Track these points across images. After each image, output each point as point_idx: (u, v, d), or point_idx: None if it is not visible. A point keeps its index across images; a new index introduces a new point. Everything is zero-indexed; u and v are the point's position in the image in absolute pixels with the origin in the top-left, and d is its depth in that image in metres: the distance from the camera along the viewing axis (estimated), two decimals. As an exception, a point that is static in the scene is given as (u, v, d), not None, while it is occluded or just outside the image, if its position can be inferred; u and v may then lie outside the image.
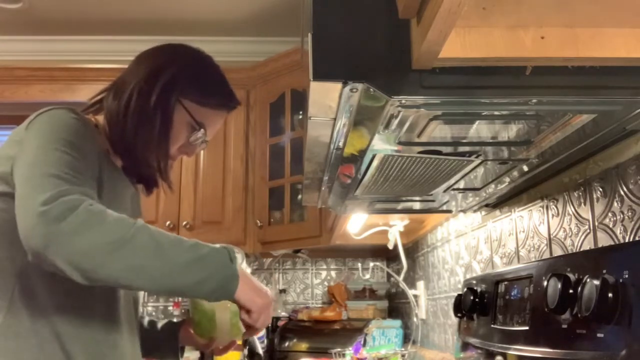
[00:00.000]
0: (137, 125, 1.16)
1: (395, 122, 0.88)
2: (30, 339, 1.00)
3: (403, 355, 2.09)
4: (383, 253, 2.92)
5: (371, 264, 2.86)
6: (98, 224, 0.90)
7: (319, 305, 3.03)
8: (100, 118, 1.21)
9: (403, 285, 2.29)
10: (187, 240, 1.00)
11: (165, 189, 1.30)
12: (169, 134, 1.18)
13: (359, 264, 2.85)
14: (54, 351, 1.01)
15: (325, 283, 3.10)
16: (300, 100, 2.67)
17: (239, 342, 1.40)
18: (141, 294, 1.27)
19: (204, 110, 1.22)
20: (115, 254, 0.90)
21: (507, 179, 1.24)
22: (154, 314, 2.99)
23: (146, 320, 1.38)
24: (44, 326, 1.01)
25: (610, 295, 0.81)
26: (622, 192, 1.01)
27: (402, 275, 2.30)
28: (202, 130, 1.22)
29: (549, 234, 1.27)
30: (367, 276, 2.79)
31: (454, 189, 1.34)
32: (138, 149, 1.17)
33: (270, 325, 2.77)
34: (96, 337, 1.07)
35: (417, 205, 1.58)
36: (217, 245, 1.03)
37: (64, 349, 1.01)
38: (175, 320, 1.40)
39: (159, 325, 1.37)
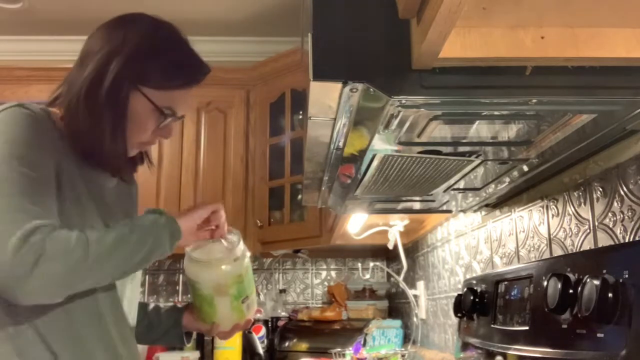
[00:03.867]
0: (88, 123, 1.08)
1: (395, 122, 0.88)
2: (15, 341, 0.98)
3: (403, 355, 2.09)
4: (383, 253, 2.92)
5: (371, 264, 2.86)
6: (62, 259, 0.95)
7: (319, 305, 3.02)
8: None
9: (403, 285, 2.29)
10: (123, 226, 1.05)
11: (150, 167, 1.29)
12: (124, 128, 1.11)
13: (359, 264, 2.85)
14: (40, 353, 0.99)
15: (325, 283, 3.10)
16: (300, 100, 2.67)
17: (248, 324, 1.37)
18: (137, 290, 1.25)
19: (168, 93, 1.12)
20: (82, 274, 0.98)
21: (507, 179, 1.24)
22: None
23: (151, 306, 1.35)
24: (27, 328, 0.99)
25: (610, 295, 0.81)
26: (622, 192, 1.01)
27: (402, 275, 2.30)
28: (169, 115, 1.14)
29: (549, 234, 1.27)
30: (367, 276, 2.79)
31: (454, 189, 1.34)
32: (92, 147, 1.10)
33: (270, 325, 2.77)
34: (81, 334, 1.04)
35: (417, 205, 1.58)
36: (145, 214, 1.10)
37: (50, 349, 1.00)
38: (179, 305, 1.38)
39: (162, 311, 1.35)
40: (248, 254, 1.24)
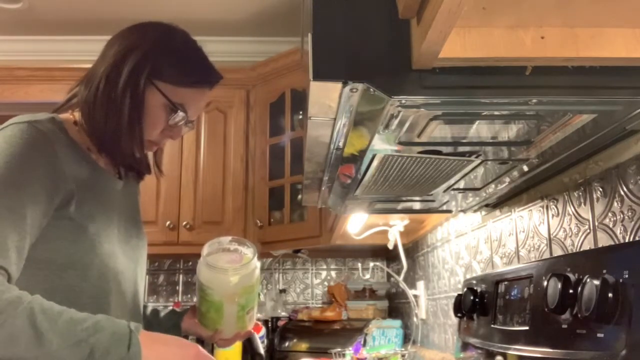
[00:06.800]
0: (106, 113, 1.11)
1: (395, 122, 0.88)
2: None
3: (403, 355, 2.09)
4: (383, 253, 2.92)
5: (371, 264, 2.86)
6: None
7: (319, 305, 3.02)
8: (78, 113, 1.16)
9: (403, 285, 2.29)
10: (81, 324, 0.92)
11: (157, 175, 1.29)
12: (141, 120, 1.13)
13: (359, 264, 2.85)
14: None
15: (325, 283, 3.10)
16: (300, 100, 2.67)
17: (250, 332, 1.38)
18: (141, 292, 1.26)
19: (181, 90, 1.16)
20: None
21: (507, 179, 1.24)
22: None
23: (149, 309, 1.37)
24: None
25: (610, 295, 0.81)
26: (622, 192, 1.01)
27: (402, 275, 2.30)
28: (181, 111, 1.16)
29: (549, 234, 1.27)
30: (367, 276, 2.79)
31: (454, 189, 1.34)
32: (110, 139, 1.13)
33: (270, 325, 2.77)
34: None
35: (417, 205, 1.58)
36: (119, 326, 0.95)
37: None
38: (177, 310, 1.39)
39: (162, 314, 1.37)
40: (259, 265, 1.26)
